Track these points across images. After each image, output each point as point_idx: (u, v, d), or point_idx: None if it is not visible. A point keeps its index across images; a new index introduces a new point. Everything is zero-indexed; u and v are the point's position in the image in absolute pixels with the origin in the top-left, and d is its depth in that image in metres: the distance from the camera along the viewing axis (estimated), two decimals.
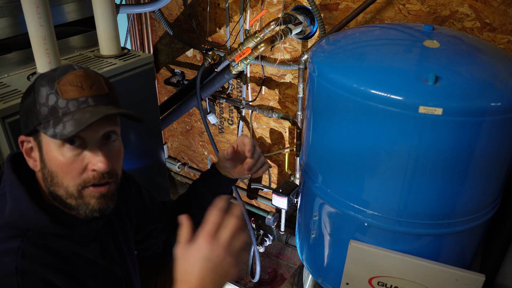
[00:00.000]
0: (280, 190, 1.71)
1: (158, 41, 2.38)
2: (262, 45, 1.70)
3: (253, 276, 2.09)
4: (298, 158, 1.91)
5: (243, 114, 2.21)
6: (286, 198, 1.69)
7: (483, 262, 1.40)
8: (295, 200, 1.73)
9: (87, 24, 1.57)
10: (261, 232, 2.02)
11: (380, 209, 1.12)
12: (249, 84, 2.10)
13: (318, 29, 1.75)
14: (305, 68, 1.68)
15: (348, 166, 1.14)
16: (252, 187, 2.35)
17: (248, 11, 1.93)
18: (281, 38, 1.70)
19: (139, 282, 1.08)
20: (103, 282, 0.90)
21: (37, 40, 1.21)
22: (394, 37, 1.21)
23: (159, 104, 1.88)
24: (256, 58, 1.85)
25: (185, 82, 2.36)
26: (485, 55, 1.11)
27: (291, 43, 1.88)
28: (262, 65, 1.99)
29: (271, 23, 1.68)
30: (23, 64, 1.37)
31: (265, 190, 2.32)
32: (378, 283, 1.20)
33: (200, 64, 2.21)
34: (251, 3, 1.91)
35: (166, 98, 2.20)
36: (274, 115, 2.02)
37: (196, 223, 1.21)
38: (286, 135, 2.11)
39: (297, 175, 1.95)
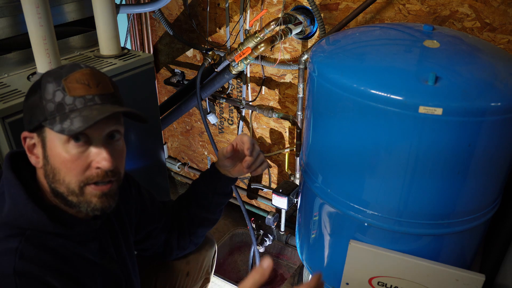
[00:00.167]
0: (280, 190, 1.71)
1: (158, 41, 2.38)
2: (262, 45, 1.70)
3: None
4: (298, 158, 1.91)
5: (243, 114, 2.21)
6: (286, 198, 1.69)
7: (483, 262, 1.40)
8: (295, 200, 1.73)
9: (87, 24, 1.56)
10: (261, 232, 2.02)
11: (380, 209, 1.12)
12: (249, 84, 2.10)
13: (318, 29, 1.75)
14: (305, 68, 1.68)
15: (348, 166, 1.14)
16: (252, 187, 2.35)
17: (248, 11, 1.93)
18: (281, 38, 1.70)
19: (139, 282, 1.08)
20: (102, 281, 0.90)
21: (37, 40, 1.21)
22: (394, 37, 1.21)
23: (159, 104, 1.88)
24: (256, 58, 1.85)
25: (185, 82, 2.36)
26: (485, 55, 1.11)
27: (291, 43, 1.88)
28: (262, 65, 1.99)
29: (271, 23, 1.68)
30: (23, 64, 1.37)
31: (265, 190, 2.32)
32: (378, 283, 1.20)
33: (200, 64, 2.21)
34: (251, 3, 1.91)
35: (166, 98, 2.20)
36: (274, 115, 2.02)
37: (196, 223, 1.22)
38: (286, 135, 2.11)
39: (297, 175, 1.95)
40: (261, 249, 1.99)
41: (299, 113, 1.79)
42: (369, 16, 1.64)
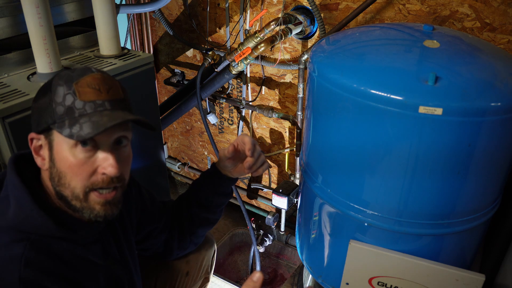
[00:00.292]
0: (280, 190, 1.71)
1: (158, 41, 2.38)
2: (262, 45, 1.70)
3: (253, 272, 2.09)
4: (298, 158, 1.91)
5: (243, 114, 2.21)
6: (286, 198, 1.69)
7: (483, 262, 1.40)
8: (295, 200, 1.73)
9: (87, 24, 1.56)
10: (261, 232, 2.02)
11: (380, 209, 1.12)
12: (249, 84, 2.10)
13: (318, 29, 1.75)
14: (305, 68, 1.68)
15: (348, 166, 1.14)
16: (252, 187, 2.35)
17: (248, 11, 1.93)
18: (281, 38, 1.70)
19: (141, 282, 1.08)
20: (105, 283, 0.90)
21: (37, 40, 1.21)
22: (394, 37, 1.21)
23: (159, 104, 1.88)
24: (256, 58, 1.85)
25: (185, 82, 2.36)
26: (485, 55, 1.11)
27: (291, 43, 1.88)
28: (262, 65, 1.99)
29: (271, 23, 1.68)
30: (23, 64, 1.37)
31: (265, 190, 2.32)
32: (378, 283, 1.20)
33: (200, 64, 2.21)
34: (251, 3, 1.91)
35: (166, 98, 2.20)
36: (274, 115, 2.02)
37: (197, 223, 1.22)
38: (286, 135, 2.11)
39: (297, 175, 1.95)
40: (261, 249, 1.99)
41: (299, 113, 1.79)
42: (369, 16, 1.64)
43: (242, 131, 2.27)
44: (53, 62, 1.26)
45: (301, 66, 1.68)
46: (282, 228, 1.98)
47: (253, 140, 1.09)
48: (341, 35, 1.28)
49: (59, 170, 0.80)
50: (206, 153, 2.54)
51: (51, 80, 0.81)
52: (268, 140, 2.20)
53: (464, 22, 1.47)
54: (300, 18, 1.73)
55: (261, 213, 2.41)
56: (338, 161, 1.16)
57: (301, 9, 1.78)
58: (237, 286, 1.96)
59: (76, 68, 0.82)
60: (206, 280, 1.39)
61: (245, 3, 1.92)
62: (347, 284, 1.25)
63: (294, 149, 1.99)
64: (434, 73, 0.95)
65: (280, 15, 1.78)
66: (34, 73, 1.31)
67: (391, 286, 1.19)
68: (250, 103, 2.13)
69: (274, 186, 2.29)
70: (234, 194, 2.09)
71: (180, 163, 2.67)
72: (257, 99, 2.11)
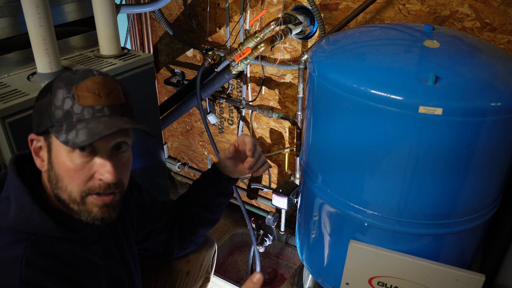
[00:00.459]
0: (280, 190, 1.71)
1: (158, 41, 2.38)
2: (262, 45, 1.70)
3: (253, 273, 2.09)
4: (298, 158, 1.91)
5: (243, 114, 2.21)
6: (286, 198, 1.69)
7: (483, 262, 1.40)
8: (295, 200, 1.73)
9: (87, 24, 1.56)
10: (261, 232, 2.02)
11: (380, 209, 1.12)
12: (249, 84, 2.10)
13: (318, 29, 1.75)
14: (305, 68, 1.68)
15: (348, 166, 1.14)
16: (252, 187, 2.35)
17: (248, 11, 1.93)
18: (281, 38, 1.70)
19: (141, 282, 1.08)
20: (106, 283, 0.90)
21: (37, 40, 1.21)
22: (394, 37, 1.21)
23: (159, 104, 1.88)
24: (256, 58, 1.85)
25: (185, 82, 2.36)
26: (485, 55, 1.11)
27: (291, 43, 1.88)
28: (262, 65, 1.99)
29: (271, 23, 1.68)
30: (23, 64, 1.37)
31: (265, 190, 2.32)
32: (378, 283, 1.20)
33: (200, 64, 2.21)
34: (251, 3, 1.91)
35: (166, 98, 2.20)
36: (274, 115, 2.02)
37: (197, 223, 1.22)
38: (286, 135, 2.11)
39: (297, 175, 1.95)
40: (261, 249, 1.99)
41: (299, 113, 1.79)
42: (369, 16, 1.64)
43: (242, 131, 2.27)
44: (53, 62, 1.26)
45: (301, 66, 1.68)
46: (282, 228, 1.98)
47: (254, 141, 1.09)
48: (341, 35, 1.28)
49: (56, 173, 0.79)
50: (206, 153, 2.54)
51: (53, 81, 0.81)
52: (268, 140, 2.20)
53: (464, 22, 1.47)
54: (300, 18, 1.73)
55: (261, 213, 2.41)
56: (338, 161, 1.16)
57: (301, 9, 1.78)
58: (237, 286, 1.96)
59: (78, 70, 0.81)
60: (207, 280, 1.40)
61: (245, 3, 1.92)
62: (347, 284, 1.25)
63: (294, 149, 1.99)
64: (434, 73, 0.95)
65: (280, 15, 1.78)
66: (34, 73, 1.31)
67: (391, 286, 1.19)
68: (250, 103, 2.13)
69: (274, 186, 2.29)
70: (234, 194, 2.10)
71: (180, 163, 2.67)
72: (257, 99, 2.11)
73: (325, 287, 1.38)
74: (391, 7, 1.58)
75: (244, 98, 2.14)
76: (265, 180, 2.33)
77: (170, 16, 2.23)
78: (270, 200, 2.20)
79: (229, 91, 2.21)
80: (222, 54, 1.99)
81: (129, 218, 1.05)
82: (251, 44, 1.75)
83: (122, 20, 2.27)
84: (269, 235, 2.00)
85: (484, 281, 1.06)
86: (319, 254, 1.36)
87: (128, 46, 2.26)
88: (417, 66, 1.04)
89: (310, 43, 1.83)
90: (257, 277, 0.82)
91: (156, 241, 1.17)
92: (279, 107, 2.06)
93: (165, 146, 2.66)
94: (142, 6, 1.85)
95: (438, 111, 0.94)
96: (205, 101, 2.30)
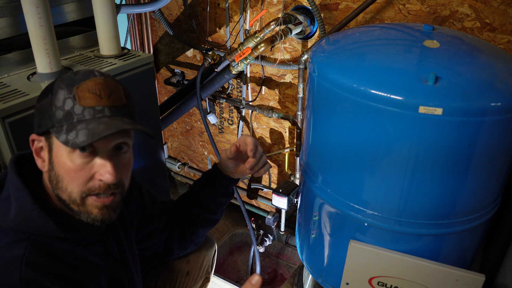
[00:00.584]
0: (280, 190, 1.71)
1: (158, 41, 2.38)
2: (262, 45, 1.70)
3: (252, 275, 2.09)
4: (298, 158, 1.91)
5: (243, 114, 2.21)
6: (286, 198, 1.69)
7: (483, 262, 1.40)
8: (295, 200, 1.73)
9: (87, 24, 1.56)
10: (261, 232, 2.02)
11: (380, 209, 1.12)
12: (249, 84, 2.10)
13: (318, 29, 1.75)
14: (305, 68, 1.68)
15: (348, 166, 1.14)
16: (252, 187, 2.35)
17: (248, 11, 1.93)
18: (281, 38, 1.70)
19: (141, 282, 1.08)
20: (106, 283, 0.90)
21: (37, 40, 1.21)
22: (394, 37, 1.21)
23: (159, 104, 1.88)
24: (256, 58, 1.85)
25: (185, 82, 2.36)
26: (485, 55, 1.11)
27: (291, 43, 1.88)
28: (262, 65, 1.99)
29: (271, 23, 1.68)
30: (23, 64, 1.37)
31: (265, 190, 2.32)
32: (378, 283, 1.20)
33: (200, 64, 2.21)
34: (251, 3, 1.91)
35: (166, 98, 2.20)
36: (274, 115, 2.02)
37: (197, 223, 1.22)
38: (286, 135, 2.11)
39: (297, 175, 1.95)
40: (261, 249, 1.99)
41: (299, 113, 1.79)
42: (369, 16, 1.64)
43: (242, 131, 2.27)
44: (53, 62, 1.26)
45: (301, 66, 1.68)
46: (282, 228, 1.98)
47: (255, 141, 1.09)
48: (341, 35, 1.28)
49: (57, 174, 0.79)
50: (206, 153, 2.54)
51: (54, 81, 0.81)
52: (268, 140, 2.20)
53: (464, 22, 1.47)
54: (300, 18, 1.73)
55: (261, 213, 2.41)
56: (338, 161, 1.16)
57: (301, 9, 1.78)
58: (237, 286, 1.96)
59: (80, 70, 0.81)
60: (207, 280, 1.40)
61: (245, 3, 1.92)
62: (347, 284, 1.25)
63: (294, 149, 1.99)
64: (434, 73, 0.95)
65: (280, 15, 1.78)
66: (34, 73, 1.31)
67: (391, 286, 1.19)
68: (250, 103, 2.13)
69: (274, 186, 2.29)
70: (234, 195, 2.10)
71: (180, 163, 2.67)
72: (257, 99, 2.11)
73: (325, 287, 1.38)
74: (391, 7, 1.58)
75: (244, 98, 2.14)
76: (265, 180, 2.33)
77: (170, 16, 2.23)
78: (270, 200, 2.20)
79: (229, 91, 2.21)
80: (222, 54, 1.99)
81: (129, 218, 1.06)
82: (251, 44, 1.75)
83: (122, 20, 2.27)
84: (269, 235, 2.00)
85: (484, 281, 1.07)
86: (319, 254, 1.36)
87: (128, 46, 2.26)
88: (417, 66, 1.04)
89: (310, 43, 1.83)
90: (256, 279, 0.83)
91: (156, 241, 1.17)
92: (279, 107, 2.06)
93: (165, 146, 2.66)
94: (142, 6, 1.85)
95: (438, 111, 0.94)
96: (205, 101, 2.30)
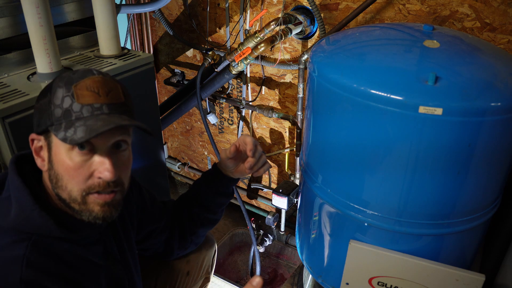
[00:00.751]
0: (280, 190, 1.71)
1: (158, 41, 2.38)
2: (262, 45, 1.70)
3: (253, 276, 2.09)
4: (298, 158, 1.91)
5: (243, 114, 2.21)
6: (286, 198, 1.69)
7: (483, 262, 1.40)
8: (295, 200, 1.73)
9: (87, 24, 1.56)
10: (261, 232, 2.02)
11: (380, 209, 1.12)
12: (249, 84, 2.10)
13: (318, 29, 1.75)
14: (305, 68, 1.68)
15: (348, 166, 1.14)
16: (252, 187, 2.35)
17: (248, 11, 1.93)
18: (281, 38, 1.70)
19: (141, 282, 1.08)
20: (106, 283, 0.90)
21: (37, 40, 1.21)
22: (394, 37, 1.21)
23: (159, 104, 1.88)
24: (256, 58, 1.85)
25: (185, 82, 2.36)
26: (485, 55, 1.11)
27: (291, 43, 1.88)
28: (262, 65, 1.99)
29: (271, 23, 1.68)
30: (23, 64, 1.37)
31: (265, 190, 2.32)
32: (378, 283, 1.20)
33: (200, 64, 2.21)
34: (251, 3, 1.91)
35: (166, 98, 2.20)
36: (274, 115, 2.02)
37: (198, 223, 1.22)
38: (286, 135, 2.11)
39: (297, 175, 1.95)
40: (261, 249, 1.99)
41: (299, 113, 1.79)
42: (369, 16, 1.64)
43: (242, 131, 2.27)
44: (53, 62, 1.26)
45: (301, 66, 1.68)
46: (282, 228, 1.98)
47: (255, 141, 1.09)
48: (341, 35, 1.28)
49: (56, 172, 0.79)
50: (206, 153, 2.54)
51: (53, 81, 0.81)
52: (268, 140, 2.20)
53: (464, 22, 1.47)
54: (300, 18, 1.73)
55: (261, 213, 2.41)
56: (338, 161, 1.16)
57: (301, 9, 1.78)
58: (237, 286, 1.96)
59: (78, 70, 0.82)
60: (207, 280, 1.40)
61: (245, 3, 1.92)
62: (347, 284, 1.25)
63: (294, 149, 1.99)
64: (434, 73, 0.95)
65: (280, 15, 1.78)
66: (34, 73, 1.31)
67: (391, 286, 1.19)
68: (250, 103, 2.13)
69: (274, 186, 2.29)
70: (234, 195, 2.10)
71: (180, 163, 2.67)
72: (257, 99, 2.11)
73: (325, 287, 1.38)
74: (391, 7, 1.58)
75: (244, 98, 2.14)
76: (265, 180, 2.33)
77: (170, 16, 2.23)
78: (270, 200, 2.20)
79: (229, 91, 2.21)
80: (222, 54, 1.99)
81: (130, 218, 1.06)
82: (251, 44, 1.75)
83: (122, 20, 2.27)
84: (269, 235, 2.00)
85: (484, 281, 1.07)
86: (319, 254, 1.36)
87: (128, 46, 2.26)
88: (417, 66, 1.04)
89: (310, 43, 1.83)
90: (257, 280, 0.83)
91: (156, 241, 1.17)
92: (279, 107, 2.06)
93: (165, 146, 2.66)
94: (142, 6, 1.85)
95: (438, 111, 0.94)
96: (205, 101, 2.30)
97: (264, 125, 2.17)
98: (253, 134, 2.24)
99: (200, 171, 2.61)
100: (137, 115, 0.88)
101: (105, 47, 1.45)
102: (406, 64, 1.05)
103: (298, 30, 1.75)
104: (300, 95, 1.75)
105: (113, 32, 1.43)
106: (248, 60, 1.77)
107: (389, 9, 1.59)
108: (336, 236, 1.27)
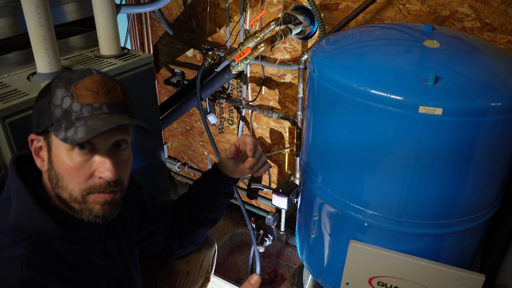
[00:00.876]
0: (280, 190, 1.71)
1: (158, 41, 2.38)
2: (262, 45, 1.70)
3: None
4: (298, 158, 1.91)
5: (243, 114, 2.21)
6: (286, 198, 1.69)
7: (483, 262, 1.40)
8: (295, 200, 1.73)
9: (87, 24, 1.56)
10: (261, 232, 2.02)
11: (380, 209, 1.12)
12: (249, 84, 2.10)
13: (318, 29, 1.75)
14: (305, 68, 1.68)
15: (348, 166, 1.14)
16: (252, 187, 2.35)
17: (248, 11, 1.93)
18: (281, 38, 1.70)
19: (141, 282, 1.08)
20: (106, 283, 0.90)
21: (37, 40, 1.21)
22: (394, 37, 1.21)
23: (159, 104, 1.88)
24: (256, 58, 1.85)
25: (185, 82, 2.36)
26: (485, 55, 1.11)
27: (291, 43, 1.88)
28: (262, 65, 1.99)
29: (271, 23, 1.68)
30: (23, 64, 1.37)
31: (265, 190, 2.32)
32: (378, 283, 1.20)
33: (200, 64, 2.21)
34: (251, 3, 1.91)
35: (166, 98, 2.20)
36: (274, 115, 2.02)
37: (198, 223, 1.22)
38: (286, 135, 2.11)
39: (297, 175, 1.95)
40: (261, 249, 1.99)
41: (299, 113, 1.79)
42: (369, 16, 1.64)
43: (242, 131, 2.27)
44: (53, 62, 1.26)
45: (301, 66, 1.68)
46: (282, 228, 1.98)
47: (255, 141, 1.09)
48: (341, 35, 1.28)
49: (57, 173, 0.79)
50: (206, 153, 2.54)
51: (52, 81, 0.81)
52: (268, 140, 2.20)
53: (464, 22, 1.47)
54: (300, 18, 1.73)
55: (261, 213, 2.41)
56: (338, 161, 1.16)
57: (301, 9, 1.78)
58: (237, 286, 1.96)
59: (77, 70, 0.82)
60: (207, 280, 1.40)
61: (245, 3, 1.92)
62: (347, 284, 1.25)
63: (294, 149, 1.99)
64: (434, 73, 0.95)
65: (280, 15, 1.78)
66: (34, 73, 1.31)
67: (391, 286, 1.19)
68: (250, 103, 2.13)
69: (274, 186, 2.29)
70: (234, 195, 2.10)
71: (180, 163, 2.67)
72: (257, 99, 2.11)
73: (325, 287, 1.38)
74: (391, 7, 1.58)
75: (244, 98, 2.14)
76: (265, 180, 2.33)
77: (170, 16, 2.23)
78: (270, 200, 2.20)
79: (229, 91, 2.21)
80: (222, 54, 1.99)
81: (129, 218, 1.06)
82: (251, 44, 1.75)
83: (122, 20, 2.27)
84: (269, 235, 2.00)
85: (484, 281, 1.07)
86: (319, 254, 1.36)
87: (128, 46, 2.26)
88: (417, 66, 1.04)
89: (310, 43, 1.83)
90: (255, 278, 0.83)
91: (156, 241, 1.17)
92: (279, 107, 2.06)
93: (165, 146, 2.66)
94: (142, 6, 1.85)
95: (438, 111, 0.94)
96: (205, 101, 2.30)
97: (264, 125, 2.17)
98: (253, 134, 2.24)
99: (200, 171, 2.61)
100: (137, 115, 0.88)
101: (105, 47, 1.45)
102: (406, 64, 1.05)
103: (298, 30, 1.75)
104: (300, 95, 1.75)
105: (113, 32, 1.43)
106: (248, 60, 1.77)
107: (389, 9, 1.59)
108: (336, 236, 1.27)
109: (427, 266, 1.11)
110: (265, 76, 2.03)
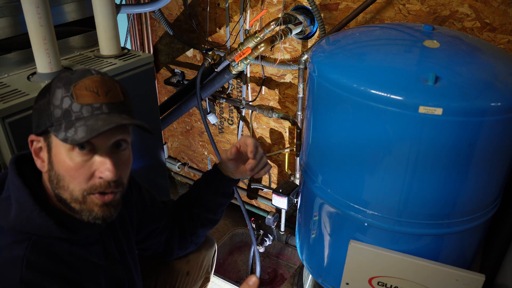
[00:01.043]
0: (280, 190, 1.71)
1: (158, 41, 2.38)
2: (262, 45, 1.70)
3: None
4: (298, 158, 1.91)
5: (243, 114, 2.21)
6: (286, 198, 1.69)
7: (483, 262, 1.40)
8: (295, 200, 1.73)
9: (87, 24, 1.56)
10: (261, 232, 2.02)
11: (380, 209, 1.12)
12: (249, 84, 2.10)
13: (318, 29, 1.75)
14: (305, 68, 1.68)
15: (348, 166, 1.14)
16: (252, 187, 2.35)
17: (248, 11, 1.93)
18: (281, 38, 1.70)
19: (141, 282, 1.08)
20: (106, 283, 0.90)
21: (37, 40, 1.21)
22: (394, 37, 1.21)
23: (159, 104, 1.88)
24: (256, 58, 1.85)
25: (185, 82, 2.36)
26: (485, 55, 1.11)
27: (291, 43, 1.88)
28: (262, 65, 1.99)
29: (271, 23, 1.68)
30: (23, 64, 1.37)
31: (265, 190, 2.32)
32: (378, 283, 1.20)
33: (200, 64, 2.21)
34: (251, 3, 1.91)
35: (166, 98, 2.20)
36: (274, 115, 2.02)
37: (198, 223, 1.22)
38: (286, 135, 2.11)
39: (297, 175, 1.95)
40: (261, 249, 1.99)
41: (299, 113, 1.79)
42: (369, 16, 1.64)
43: (242, 131, 2.27)
44: (53, 62, 1.26)
45: (301, 66, 1.68)
46: (282, 228, 1.98)
47: (256, 142, 1.09)
48: (341, 35, 1.28)
49: (57, 173, 0.79)
50: (206, 153, 2.54)
51: (51, 82, 0.81)
52: (268, 140, 2.20)
53: (464, 22, 1.47)
54: (300, 18, 1.73)
55: (261, 213, 2.41)
56: (338, 161, 1.16)
57: (301, 9, 1.78)
58: (237, 286, 1.96)
59: (76, 70, 0.82)
60: (207, 280, 1.40)
61: (245, 3, 1.92)
62: (347, 284, 1.25)
63: (294, 149, 1.99)
64: (434, 73, 0.95)
65: (280, 15, 1.78)
66: (34, 73, 1.31)
67: (391, 286, 1.19)
68: (250, 103, 2.13)
69: (274, 186, 2.29)
70: (234, 195, 2.10)
71: (180, 163, 2.67)
72: (257, 99, 2.11)
73: (325, 287, 1.38)
74: (391, 7, 1.58)
75: (244, 98, 2.14)
76: (265, 180, 2.33)
77: (170, 16, 2.23)
78: (270, 200, 2.20)
79: (229, 91, 2.21)
80: (222, 54, 1.99)
81: (129, 218, 1.06)
82: (251, 44, 1.75)
83: (122, 20, 2.27)
84: (269, 235, 2.00)
85: (484, 281, 1.07)
86: (319, 254, 1.36)
87: (128, 46, 2.26)
88: (417, 66, 1.04)
89: (310, 43, 1.83)
90: (253, 280, 0.83)
91: (156, 241, 1.17)
92: (279, 107, 2.06)
93: (165, 146, 2.66)
94: (142, 6, 1.85)
95: (438, 111, 0.94)
96: (205, 101, 2.30)
97: (264, 125, 2.17)
98: (253, 134, 2.24)
99: (200, 171, 2.61)
100: (137, 115, 0.88)
101: (105, 47, 1.45)
102: (406, 64, 1.05)
103: (298, 30, 1.75)
104: (300, 95, 1.75)
105: (113, 32, 1.43)
106: (248, 60, 1.77)
107: (389, 9, 1.59)
108: (336, 236, 1.27)
109: (427, 266, 1.11)
110: (265, 76, 2.03)
